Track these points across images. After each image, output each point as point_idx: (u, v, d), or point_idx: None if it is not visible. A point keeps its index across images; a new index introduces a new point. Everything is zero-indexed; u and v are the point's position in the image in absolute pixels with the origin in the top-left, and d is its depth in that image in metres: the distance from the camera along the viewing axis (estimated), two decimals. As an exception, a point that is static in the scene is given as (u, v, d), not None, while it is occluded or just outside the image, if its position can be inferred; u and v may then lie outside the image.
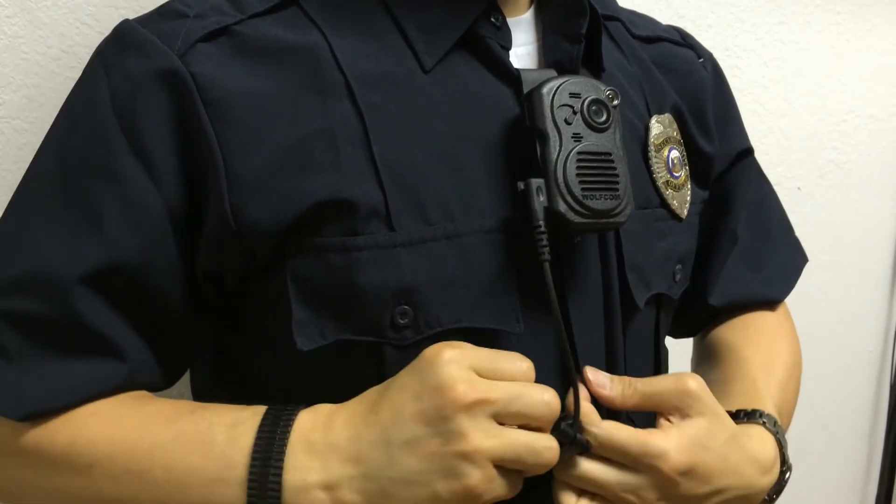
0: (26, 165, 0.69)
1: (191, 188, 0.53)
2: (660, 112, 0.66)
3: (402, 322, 0.52)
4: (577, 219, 0.53)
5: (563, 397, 0.53)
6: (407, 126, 0.54)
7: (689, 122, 0.69)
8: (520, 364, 0.51)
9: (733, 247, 0.75)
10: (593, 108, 0.55)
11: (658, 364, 0.67)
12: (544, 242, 0.52)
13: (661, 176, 0.64)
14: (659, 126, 0.65)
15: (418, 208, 0.53)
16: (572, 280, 0.58)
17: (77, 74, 0.70)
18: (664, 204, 0.64)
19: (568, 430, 0.52)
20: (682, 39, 0.75)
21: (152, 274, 0.53)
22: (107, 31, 0.70)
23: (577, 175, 0.53)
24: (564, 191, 0.53)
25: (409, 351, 0.53)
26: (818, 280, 1.35)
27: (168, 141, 0.52)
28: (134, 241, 0.52)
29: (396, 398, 0.49)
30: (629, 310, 0.62)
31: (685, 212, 0.66)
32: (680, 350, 0.82)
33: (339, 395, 0.53)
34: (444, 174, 0.54)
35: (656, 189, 0.64)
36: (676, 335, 0.81)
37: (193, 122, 0.52)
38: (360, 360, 0.54)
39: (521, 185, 0.53)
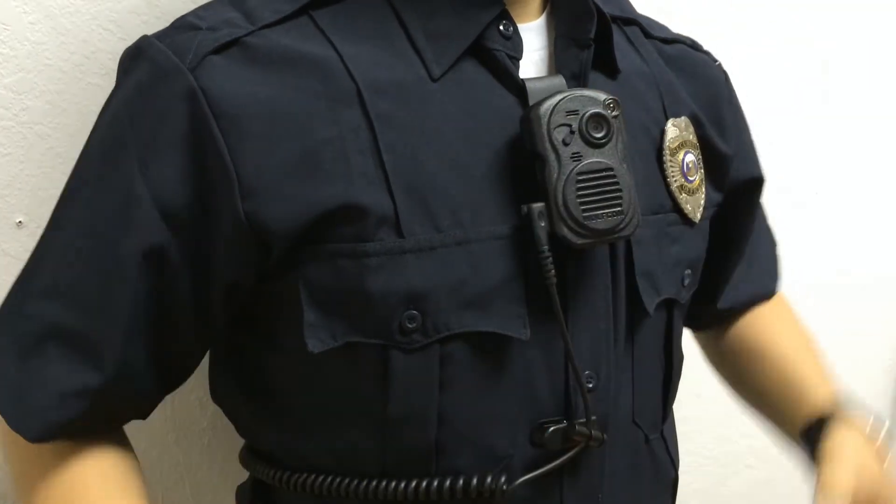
0: (48, 170, 0.71)
1: (201, 204, 0.54)
2: (676, 115, 0.67)
3: (410, 326, 0.53)
4: (579, 241, 0.55)
5: (567, 402, 0.57)
6: (416, 134, 0.54)
7: (705, 124, 0.70)
8: None
9: (740, 258, 0.79)
10: (592, 123, 0.55)
11: (669, 371, 0.67)
12: (549, 267, 0.54)
13: (675, 180, 0.64)
14: (675, 129, 0.66)
15: (428, 215, 0.54)
16: (580, 287, 0.58)
17: (99, 80, 0.71)
18: (677, 208, 0.64)
19: (583, 429, 0.55)
20: (694, 48, 0.75)
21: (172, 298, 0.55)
22: (128, 37, 0.71)
23: (578, 197, 0.54)
24: (565, 214, 0.54)
25: (415, 355, 0.54)
26: (837, 286, 1.34)
27: (181, 163, 0.53)
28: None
29: None
30: (639, 315, 0.62)
31: (698, 216, 0.66)
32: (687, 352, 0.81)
33: (343, 392, 0.55)
34: (454, 181, 0.55)
35: (670, 193, 0.64)
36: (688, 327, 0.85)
37: (208, 144, 0.52)
38: (366, 362, 0.54)
39: (524, 209, 0.54)
